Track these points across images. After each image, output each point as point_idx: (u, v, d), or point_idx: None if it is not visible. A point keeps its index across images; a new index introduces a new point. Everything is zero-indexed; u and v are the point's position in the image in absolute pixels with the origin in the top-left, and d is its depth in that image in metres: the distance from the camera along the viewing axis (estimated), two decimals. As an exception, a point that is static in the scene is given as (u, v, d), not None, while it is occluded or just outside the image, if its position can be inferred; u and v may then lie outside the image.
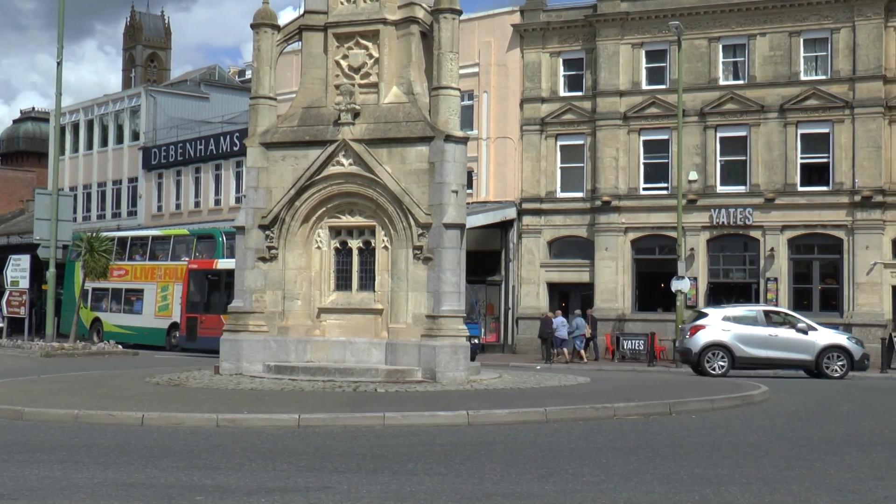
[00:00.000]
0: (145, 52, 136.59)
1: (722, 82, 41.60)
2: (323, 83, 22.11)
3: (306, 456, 11.19)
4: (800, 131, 40.35)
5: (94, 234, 38.63)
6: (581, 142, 43.76)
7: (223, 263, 36.80)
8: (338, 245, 21.73)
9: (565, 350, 37.95)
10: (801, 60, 40.56)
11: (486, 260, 43.60)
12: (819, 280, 40.03)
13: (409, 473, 10.06)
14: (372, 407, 15.22)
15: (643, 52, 42.88)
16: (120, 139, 63.53)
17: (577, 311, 40.51)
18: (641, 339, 38.94)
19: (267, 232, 21.67)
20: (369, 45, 21.91)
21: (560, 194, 43.98)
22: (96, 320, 44.80)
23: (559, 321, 38.55)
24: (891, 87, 39.30)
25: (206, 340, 35.81)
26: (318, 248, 21.78)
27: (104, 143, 64.50)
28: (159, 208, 60.13)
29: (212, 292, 38.69)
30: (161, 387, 19.27)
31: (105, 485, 9.31)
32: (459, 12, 21.50)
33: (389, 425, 14.04)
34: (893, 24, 39.54)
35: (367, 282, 21.44)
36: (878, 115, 39.09)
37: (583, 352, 38.91)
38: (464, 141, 21.35)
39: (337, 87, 21.87)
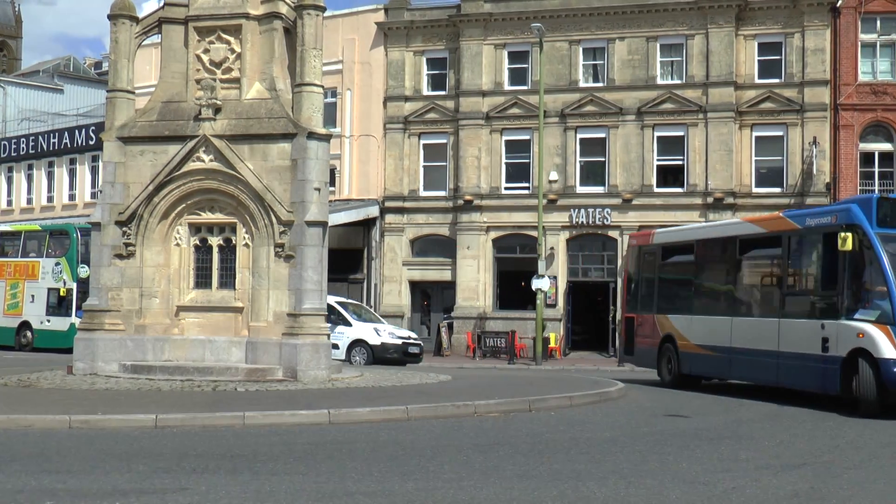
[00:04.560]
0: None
1: (582, 84, 42.36)
2: (183, 77, 21.72)
3: (163, 457, 10.97)
4: (656, 134, 41.38)
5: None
6: (444, 141, 44.02)
7: None
8: (198, 242, 21.37)
9: None
10: (658, 65, 41.60)
11: (349, 258, 43.50)
12: (673, 279, 41.08)
13: (270, 473, 9.97)
14: (232, 406, 15.03)
15: (506, 52, 43.36)
16: (-32, 131, 61.26)
17: None
18: (502, 336, 39.38)
19: (124, 228, 21.18)
20: (231, 39, 21.61)
21: (423, 193, 44.16)
22: (-58, 318, 43.07)
23: None
24: (742, 93, 40.63)
25: None
26: (178, 245, 21.37)
27: (-49, 134, 62.14)
28: (9, 203, 58.14)
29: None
30: (10, 388, 18.60)
31: (-49, 490, 8.99)
32: (323, 9, 21.38)
33: (250, 425, 13.88)
34: (744, 33, 40.88)
35: (228, 279, 21.15)
36: (730, 120, 40.36)
37: None
38: (327, 138, 21.25)
39: (198, 81, 21.50)
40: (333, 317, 30.97)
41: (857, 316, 16.69)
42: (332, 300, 33.34)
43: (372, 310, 37.90)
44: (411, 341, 33.02)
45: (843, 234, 16.76)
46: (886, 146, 39.85)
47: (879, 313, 16.24)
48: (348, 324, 32.04)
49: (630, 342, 25.51)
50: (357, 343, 31.79)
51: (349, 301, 35.15)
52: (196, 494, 8.78)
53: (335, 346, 30.77)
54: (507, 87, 43.24)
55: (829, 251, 17.43)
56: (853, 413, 16.72)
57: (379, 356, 31.35)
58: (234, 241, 21.09)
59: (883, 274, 16.28)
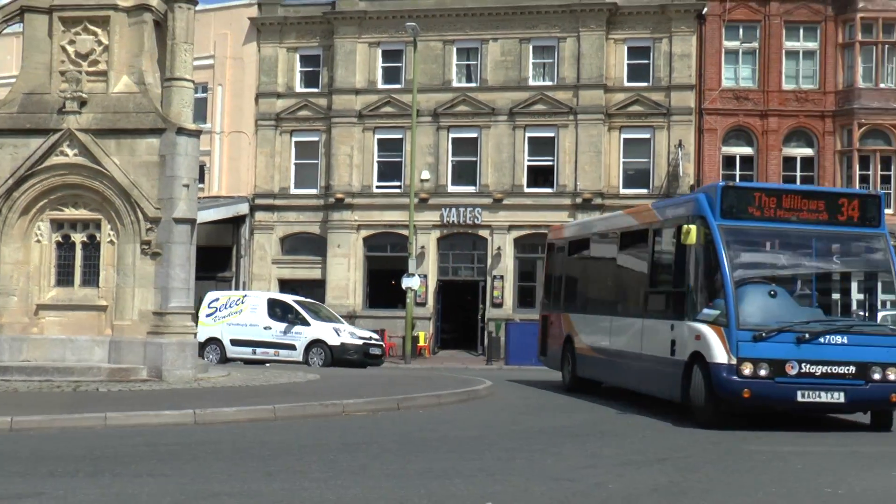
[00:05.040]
0: None
1: (455, 84, 42.61)
2: (47, 69, 21.09)
3: (19, 461, 10.64)
4: (527, 135, 41.88)
5: None
6: (316, 138, 43.77)
7: None
8: (60, 239, 20.78)
9: None
10: (531, 66, 42.11)
11: (218, 256, 42.88)
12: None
13: (132, 475, 9.77)
14: (93, 407, 14.67)
15: (380, 51, 43.33)
16: None
17: None
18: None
19: (-18, 224, 20.49)
20: (98, 31, 21.07)
21: (294, 191, 43.83)
22: None
23: None
24: (611, 96, 41.41)
25: None
26: (38, 241, 20.74)
27: None
28: None
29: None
30: None
31: None
32: (195, 2, 21.03)
33: (112, 426, 13.57)
34: (614, 37, 41.66)
35: (91, 277, 20.62)
36: (599, 122, 41.10)
37: None
38: (196, 134, 20.91)
39: (62, 73, 20.89)
40: (290, 316, 30.80)
41: (699, 317, 15.18)
42: (290, 298, 32.93)
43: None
44: (373, 342, 31.61)
45: (685, 227, 15.46)
46: (747, 150, 41.10)
47: (718, 314, 14.71)
48: (306, 323, 30.72)
49: (544, 342, 24.13)
50: (315, 343, 30.42)
51: (308, 300, 33.95)
52: (53, 499, 8.56)
53: (292, 347, 30.45)
54: (380, 85, 43.22)
55: (681, 245, 15.86)
56: (684, 422, 15.40)
57: (338, 357, 30.04)
58: (98, 238, 20.59)
59: (721, 270, 14.81)
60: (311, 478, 9.83)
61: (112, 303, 20.36)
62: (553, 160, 41.65)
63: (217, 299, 32.23)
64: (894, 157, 40.13)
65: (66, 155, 20.47)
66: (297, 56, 44.31)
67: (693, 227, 15.29)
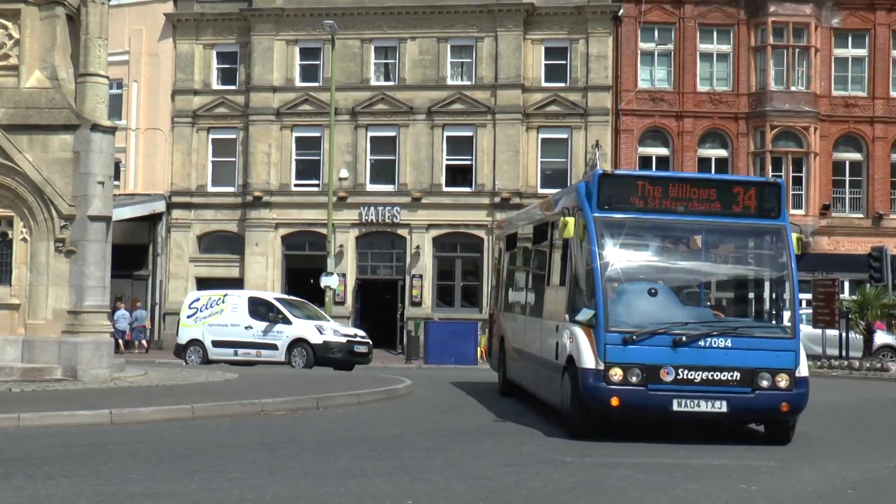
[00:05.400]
0: None
1: (374, 83, 42.57)
2: (-44, 63, 20.66)
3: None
4: (446, 134, 42.01)
5: None
6: (233, 136, 43.42)
7: None
8: (-29, 236, 20.39)
9: (120, 341, 36.86)
10: (449, 66, 42.25)
11: (134, 254, 42.31)
12: (461, 277, 41.87)
13: (46, 476, 9.63)
14: (5, 407, 14.39)
15: (297, 49, 43.11)
16: None
17: (139, 304, 41.13)
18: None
19: None
20: (9, 24, 20.67)
21: (211, 188, 43.42)
22: None
23: (120, 314, 38.12)
24: (528, 96, 41.72)
25: None
26: (-52, 239, 20.33)
27: None
28: None
29: None
30: None
31: None
32: (109, -3, 20.77)
33: (25, 426, 13.33)
34: (532, 37, 41.97)
35: (4, 275, 20.19)
36: (517, 122, 41.39)
37: (145, 342, 40.33)
38: (112, 131, 20.63)
39: (-28, 67, 20.50)
40: (272, 314, 29.61)
41: (577, 317, 13.66)
42: (270, 296, 31.86)
43: (320, 308, 34.57)
44: (358, 339, 30.01)
45: (562, 220, 14.01)
46: (663, 151, 41.71)
47: (592, 315, 13.22)
48: (288, 322, 29.39)
49: (490, 342, 23.09)
50: (298, 343, 29.06)
51: (290, 297, 32.83)
52: (-34, 500, 8.42)
53: (274, 347, 29.25)
54: (298, 83, 43.01)
55: (566, 239, 14.34)
56: (557, 432, 13.93)
57: (321, 356, 28.73)
58: (10, 236, 20.20)
59: (592, 266, 13.30)
60: (230, 477, 9.78)
61: (25, 301, 20.00)
62: (471, 159, 41.84)
63: (198, 299, 31.13)
64: (805, 159, 41.04)
65: (-23, 151, 20.04)
66: (214, 53, 43.90)
67: (570, 220, 13.80)
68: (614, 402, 12.84)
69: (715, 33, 42.09)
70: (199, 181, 43.35)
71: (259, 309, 30.02)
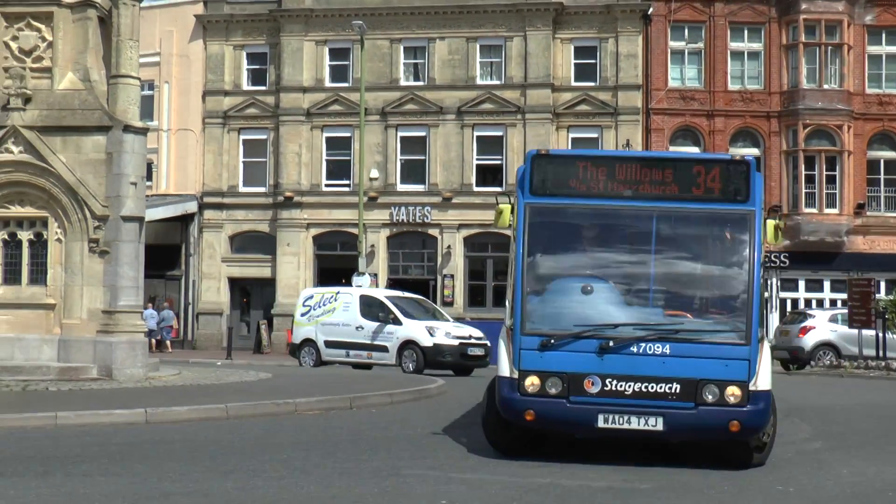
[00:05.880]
0: None
1: (403, 83, 42.62)
2: (-10, 65, 20.84)
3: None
4: (476, 133, 42.00)
5: None
6: (264, 136, 43.59)
7: None
8: (6, 237, 20.51)
9: (152, 341, 36.90)
10: (478, 65, 42.24)
11: (166, 254, 42.55)
12: (493, 277, 41.81)
13: (83, 475, 9.69)
14: (43, 407, 14.51)
15: (327, 49, 43.22)
16: None
17: (166, 304, 41.09)
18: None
19: (-77, 222, 20.18)
20: (42, 27, 20.85)
21: (242, 189, 43.62)
22: None
23: (148, 313, 38.16)
24: (558, 95, 41.64)
25: None
26: (-16, 239, 20.50)
27: None
28: None
29: None
30: None
31: None
32: (140, -1, 20.90)
33: (62, 425, 13.42)
34: (561, 36, 41.89)
35: (39, 275, 20.39)
36: (547, 121, 41.33)
37: (168, 343, 39.80)
38: (143, 132, 20.77)
39: (6, 70, 20.63)
40: (382, 314, 28.18)
41: (507, 319, 11.82)
42: (382, 294, 30.52)
43: (438, 305, 33.21)
44: (472, 341, 27.78)
45: (498, 206, 12.05)
46: (695, 150, 41.47)
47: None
48: (398, 322, 27.74)
49: None
50: (408, 344, 27.40)
51: (407, 295, 30.97)
52: (3, 499, 8.46)
53: (384, 349, 27.70)
54: (328, 83, 43.11)
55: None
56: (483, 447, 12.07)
57: (431, 359, 26.97)
58: (45, 236, 20.37)
59: (516, 260, 11.47)
60: (265, 476, 9.80)
61: (60, 301, 20.16)
62: (501, 159, 41.81)
63: (311, 296, 30.25)
64: (839, 158, 40.73)
65: (12, 152, 20.23)
66: (244, 54, 44.09)
67: (504, 207, 11.81)
68: (529, 416, 10.83)
69: (746, 31, 41.87)
70: (231, 181, 43.54)
71: (370, 308, 28.65)
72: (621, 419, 10.68)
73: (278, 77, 43.17)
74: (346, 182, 42.54)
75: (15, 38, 20.79)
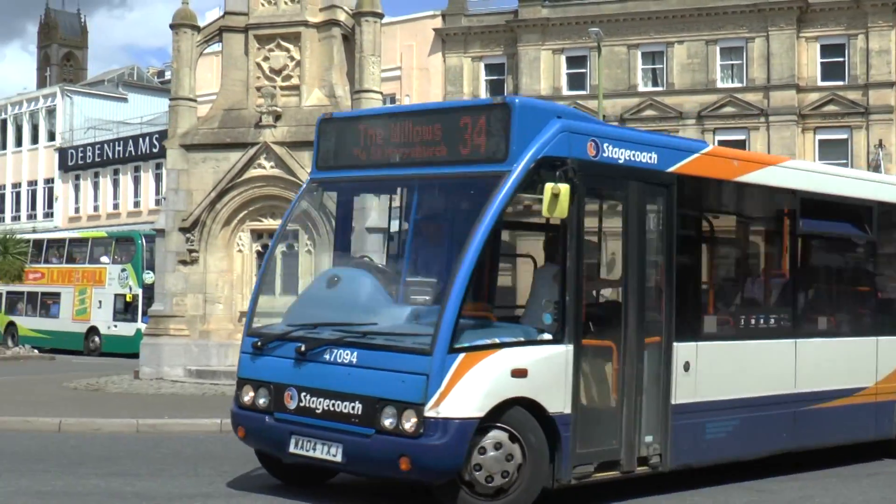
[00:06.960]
0: (61, 50, 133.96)
1: (641, 89, 42.23)
2: (244, 85, 21.91)
3: (228, 460, 11.07)
4: (717, 138, 41.05)
5: (8, 236, 37.86)
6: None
7: None
8: (260, 248, 21.53)
9: None
10: (718, 68, 41.34)
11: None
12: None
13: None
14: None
15: (563, 57, 43.31)
16: (35, 139, 62.40)
17: None
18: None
19: (188, 235, 21.38)
20: (291, 47, 21.78)
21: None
22: (11, 324, 43.81)
23: None
24: (804, 96, 40.22)
25: None
26: (240, 251, 21.57)
27: (18, 143, 63.30)
28: (76, 210, 59.14)
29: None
30: (79, 392, 18.93)
31: (20, 493, 9.14)
32: (381, 15, 21.47)
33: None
34: (805, 35, 40.46)
35: (291, 286, 21.22)
36: (792, 123, 39.97)
37: None
38: (386, 145, 21.29)
39: (258, 89, 21.66)
40: None
41: None
42: None
43: None
44: None
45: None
46: (953, 148, 39.20)
47: None
48: None
49: None
50: None
51: None
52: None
53: None
54: (565, 91, 43.18)
55: None
56: None
57: None
58: (296, 248, 21.22)
59: (271, 243, 9.85)
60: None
61: (309, 310, 20.89)
62: (744, 163, 40.68)
63: None
64: None
65: (264, 167, 21.19)
66: (482, 65, 44.73)
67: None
68: (240, 433, 9.29)
69: None
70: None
71: None
72: (308, 445, 8.59)
73: (516, 87, 43.55)
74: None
75: (266, 59, 21.80)
